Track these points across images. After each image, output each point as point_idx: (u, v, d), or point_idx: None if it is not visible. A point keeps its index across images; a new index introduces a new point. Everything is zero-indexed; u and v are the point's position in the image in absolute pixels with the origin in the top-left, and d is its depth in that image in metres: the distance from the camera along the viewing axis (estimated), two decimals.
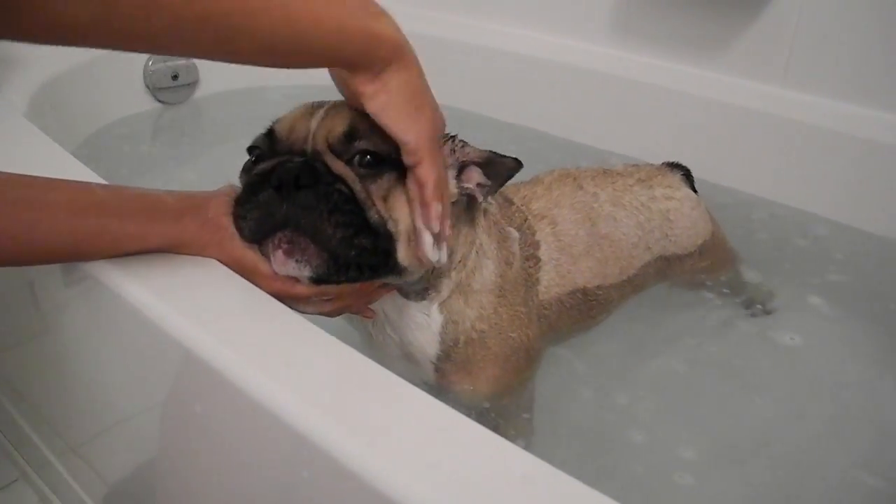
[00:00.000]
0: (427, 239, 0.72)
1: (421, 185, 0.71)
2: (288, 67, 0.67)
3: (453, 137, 0.82)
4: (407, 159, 0.71)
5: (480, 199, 0.81)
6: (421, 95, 0.72)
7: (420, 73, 0.72)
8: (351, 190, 0.70)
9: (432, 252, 0.73)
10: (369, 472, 0.52)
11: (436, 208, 0.71)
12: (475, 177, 0.80)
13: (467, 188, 0.80)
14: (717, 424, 1.08)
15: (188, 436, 0.78)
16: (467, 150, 0.81)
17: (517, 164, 0.80)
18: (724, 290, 1.24)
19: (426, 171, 0.71)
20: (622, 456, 1.02)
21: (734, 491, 0.98)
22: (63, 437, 1.12)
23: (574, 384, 1.09)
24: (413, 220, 0.73)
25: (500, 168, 0.80)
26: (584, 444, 1.04)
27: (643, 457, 1.01)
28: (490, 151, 0.80)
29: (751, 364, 1.18)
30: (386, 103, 0.69)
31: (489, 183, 0.81)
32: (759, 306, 1.25)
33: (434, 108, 0.73)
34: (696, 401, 1.11)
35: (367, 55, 0.68)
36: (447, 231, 0.74)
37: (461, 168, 0.80)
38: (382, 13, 0.69)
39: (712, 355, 1.19)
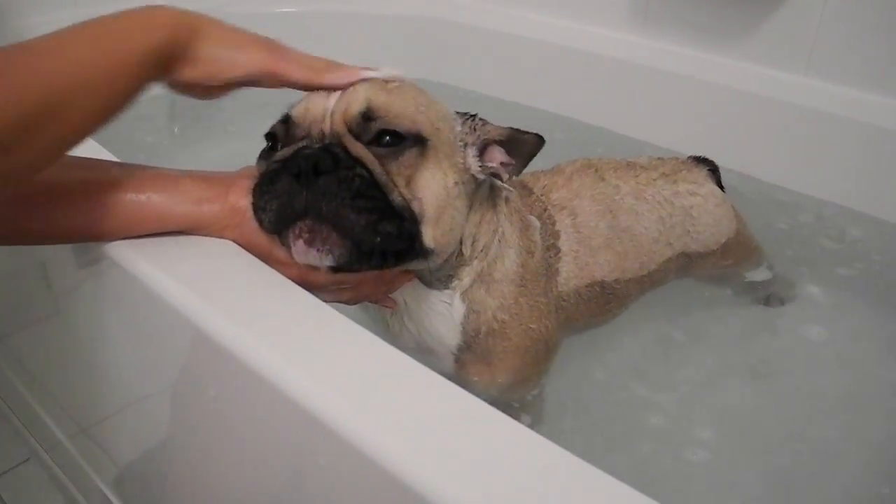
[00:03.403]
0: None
1: (307, 81, 0.72)
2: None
3: (473, 116, 0.80)
4: (269, 82, 0.72)
5: (505, 177, 0.79)
6: (233, 35, 0.72)
7: (217, 23, 0.71)
8: (371, 173, 0.68)
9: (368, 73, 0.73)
10: (388, 459, 0.51)
11: (334, 76, 0.72)
12: (498, 156, 0.79)
13: (491, 167, 0.78)
14: (738, 412, 1.08)
15: (200, 419, 0.77)
16: (488, 127, 0.79)
17: (539, 141, 0.78)
18: (748, 282, 1.23)
19: (290, 69, 0.71)
20: (634, 433, 1.02)
21: (749, 469, 0.98)
22: (74, 419, 1.12)
23: (592, 372, 1.09)
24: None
25: (522, 145, 0.78)
26: (594, 420, 1.04)
27: (656, 435, 1.02)
28: (511, 128, 0.78)
29: (777, 357, 1.18)
30: (214, 61, 0.69)
31: (512, 162, 0.79)
32: (779, 297, 1.24)
33: (252, 34, 0.73)
34: (717, 390, 1.11)
35: (168, 51, 0.67)
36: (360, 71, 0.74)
37: (483, 147, 0.78)
38: (144, 8, 0.67)
39: (738, 348, 1.19)
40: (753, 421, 1.06)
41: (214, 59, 0.70)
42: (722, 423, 1.04)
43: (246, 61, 0.71)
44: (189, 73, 0.69)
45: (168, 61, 0.67)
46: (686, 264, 1.09)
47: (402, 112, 0.71)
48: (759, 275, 1.23)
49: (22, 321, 1.17)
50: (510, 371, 0.87)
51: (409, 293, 0.83)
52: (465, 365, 0.87)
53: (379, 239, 0.67)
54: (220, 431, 0.74)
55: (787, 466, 0.99)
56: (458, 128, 0.77)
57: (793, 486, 0.97)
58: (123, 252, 0.71)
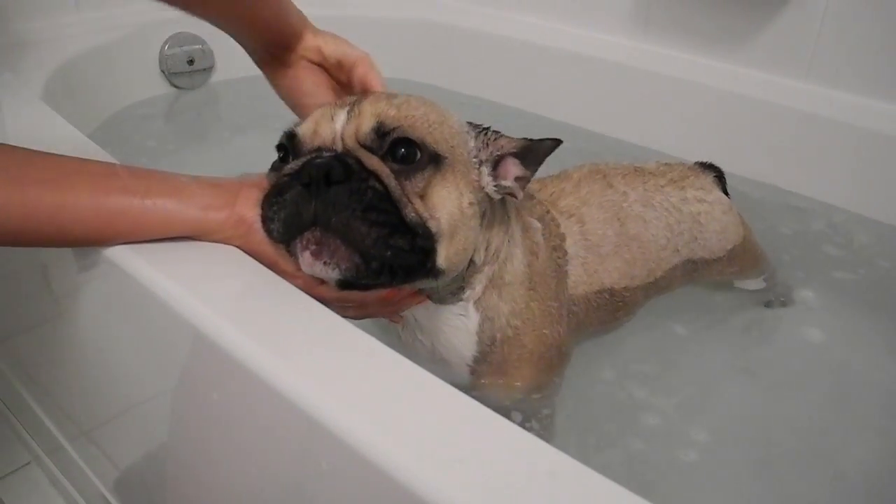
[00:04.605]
0: None
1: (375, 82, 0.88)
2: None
3: (486, 129, 0.77)
4: (361, 70, 0.89)
5: (521, 195, 0.76)
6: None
7: None
8: (385, 187, 0.66)
9: None
10: (392, 465, 0.50)
11: None
12: (513, 170, 0.76)
13: (506, 186, 0.76)
14: (733, 414, 1.07)
15: (202, 423, 0.77)
16: (501, 142, 0.76)
17: (555, 143, 0.75)
18: (751, 287, 1.23)
19: (376, 74, 0.89)
20: (628, 432, 1.02)
21: (741, 471, 0.98)
22: (75, 422, 1.12)
23: (590, 371, 1.09)
24: None
25: (538, 153, 0.75)
26: (589, 418, 1.04)
27: (650, 434, 1.02)
28: (525, 139, 0.76)
29: (775, 361, 1.18)
30: (332, 39, 0.92)
31: (528, 174, 0.76)
32: (780, 299, 1.25)
33: None
34: (714, 392, 1.11)
35: (302, 17, 0.91)
36: None
37: (497, 162, 0.76)
38: None
39: (737, 351, 1.19)
40: (749, 424, 1.06)
41: (332, 39, 0.93)
42: (717, 425, 1.04)
43: (355, 51, 0.91)
44: (313, 40, 0.92)
45: (303, 21, 0.91)
46: (692, 271, 1.09)
47: (414, 124, 0.70)
48: (752, 284, 1.23)
49: (23, 324, 1.16)
50: (525, 379, 0.87)
51: (419, 310, 0.82)
52: (482, 376, 0.86)
53: (390, 253, 0.65)
54: (222, 436, 0.74)
55: (781, 469, 0.99)
56: (472, 143, 0.76)
57: (786, 488, 0.97)
58: (124, 255, 0.71)
